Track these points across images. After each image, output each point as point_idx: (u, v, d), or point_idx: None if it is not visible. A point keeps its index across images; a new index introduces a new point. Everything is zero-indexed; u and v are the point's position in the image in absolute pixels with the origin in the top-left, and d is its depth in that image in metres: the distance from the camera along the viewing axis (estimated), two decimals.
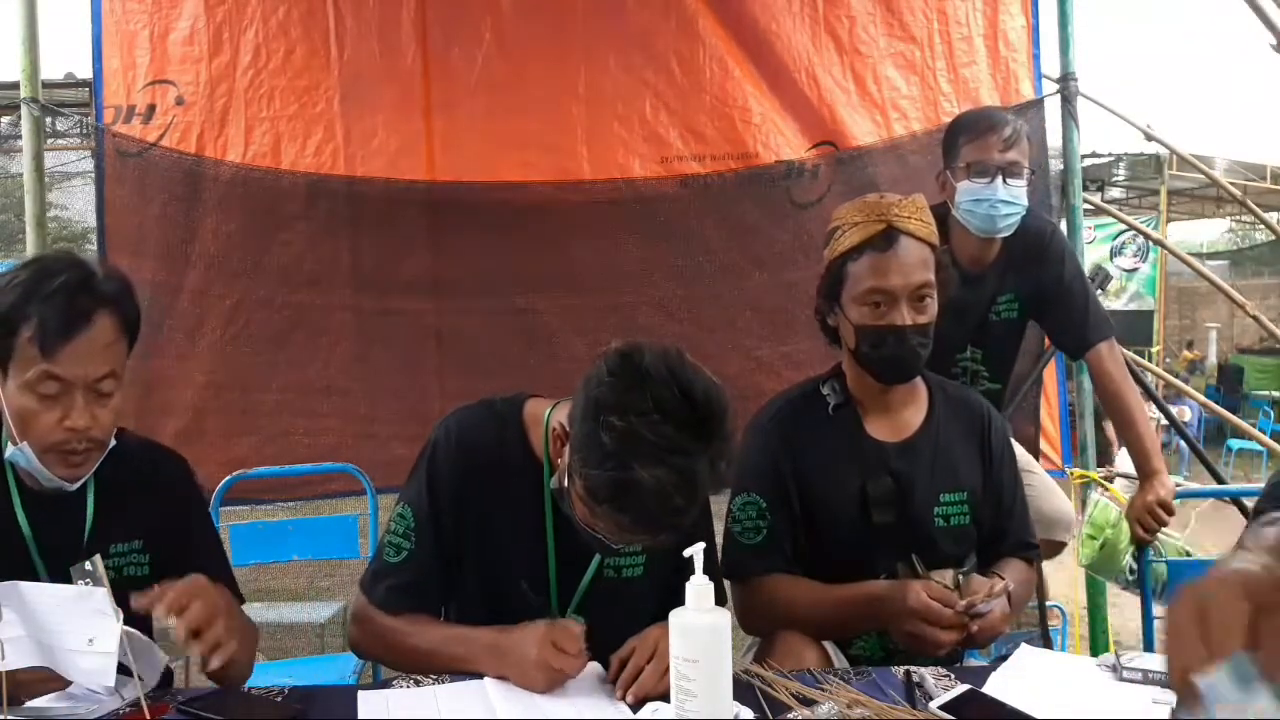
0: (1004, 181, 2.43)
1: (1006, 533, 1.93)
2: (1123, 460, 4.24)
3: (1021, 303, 2.62)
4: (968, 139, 2.49)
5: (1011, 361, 2.78)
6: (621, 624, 1.59)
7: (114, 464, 1.56)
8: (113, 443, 1.55)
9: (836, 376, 1.93)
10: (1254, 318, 4.67)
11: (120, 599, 1.32)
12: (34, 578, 1.49)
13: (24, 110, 3.42)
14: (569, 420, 1.46)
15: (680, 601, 1.32)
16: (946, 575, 1.78)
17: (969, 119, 2.58)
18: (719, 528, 1.84)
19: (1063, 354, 3.79)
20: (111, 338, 1.50)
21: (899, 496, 1.84)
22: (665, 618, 1.33)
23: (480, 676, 1.54)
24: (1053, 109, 3.79)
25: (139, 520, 1.61)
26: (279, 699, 1.47)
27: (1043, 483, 2.83)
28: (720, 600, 1.44)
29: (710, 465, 1.37)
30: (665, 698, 1.36)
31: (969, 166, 2.46)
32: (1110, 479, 3.69)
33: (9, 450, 1.50)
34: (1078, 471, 3.75)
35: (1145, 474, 2.50)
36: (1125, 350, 2.83)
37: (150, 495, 1.63)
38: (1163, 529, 2.47)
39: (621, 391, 1.36)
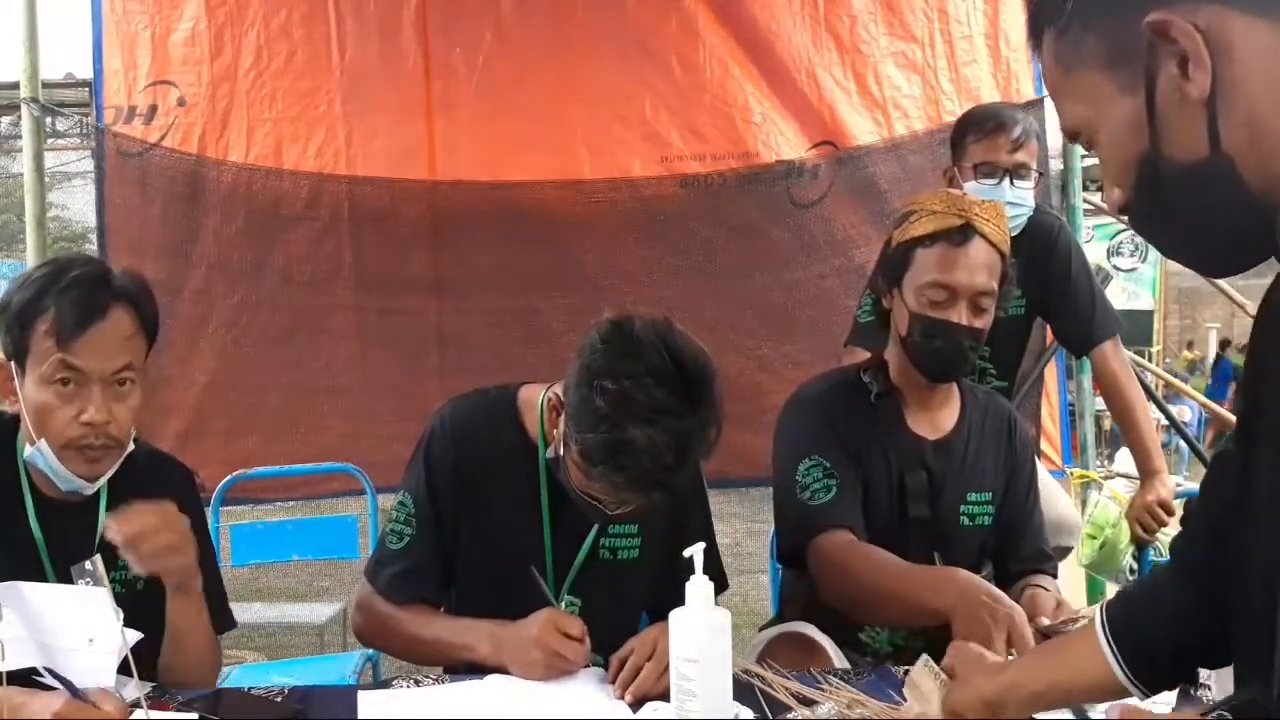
0: (1011, 183, 2.41)
1: (1022, 539, 1.91)
2: (1123, 460, 4.23)
3: (1028, 299, 2.61)
4: (976, 138, 2.46)
5: (1018, 359, 2.77)
6: (616, 607, 1.60)
7: (125, 473, 1.55)
8: (131, 446, 1.54)
9: (878, 366, 1.91)
10: (1254, 318, 4.65)
11: (121, 608, 1.31)
12: None
13: (24, 110, 3.43)
14: (564, 390, 1.49)
15: (675, 588, 1.33)
16: None
17: (978, 116, 2.53)
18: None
19: (1063, 353, 3.79)
20: (129, 331, 1.49)
21: (931, 493, 1.84)
22: (659, 603, 1.34)
23: (481, 675, 1.55)
24: (1053, 108, 3.78)
25: None
26: (279, 699, 1.47)
27: (1048, 488, 2.82)
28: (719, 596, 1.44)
29: (700, 428, 1.40)
30: (665, 697, 1.36)
31: (976, 167, 2.44)
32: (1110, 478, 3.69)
33: (27, 450, 1.49)
34: (1078, 471, 3.75)
35: (1146, 473, 2.49)
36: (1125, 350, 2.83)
37: None
38: (1163, 529, 2.47)
39: (614, 357, 1.40)
